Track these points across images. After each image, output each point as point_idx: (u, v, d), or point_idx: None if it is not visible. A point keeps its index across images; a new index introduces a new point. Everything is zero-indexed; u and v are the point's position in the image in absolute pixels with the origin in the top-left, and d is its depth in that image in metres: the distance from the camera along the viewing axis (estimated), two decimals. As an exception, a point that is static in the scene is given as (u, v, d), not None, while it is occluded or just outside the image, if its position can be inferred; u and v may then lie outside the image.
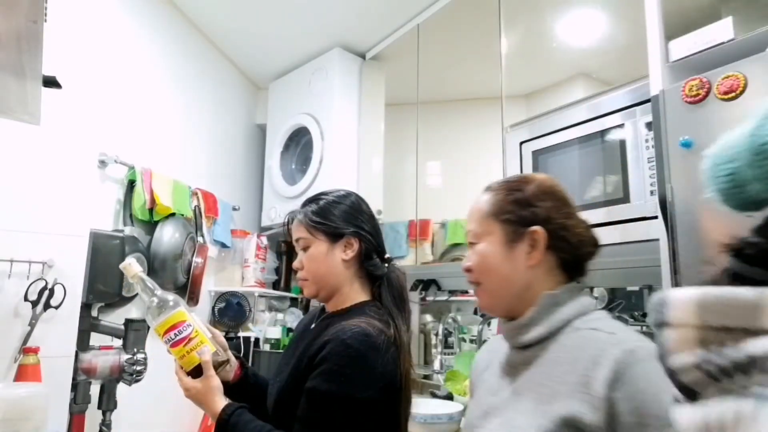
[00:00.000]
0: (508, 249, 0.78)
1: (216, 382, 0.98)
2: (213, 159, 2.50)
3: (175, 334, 0.99)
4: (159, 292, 1.02)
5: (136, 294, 1.84)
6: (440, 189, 2.15)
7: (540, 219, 0.77)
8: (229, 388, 1.06)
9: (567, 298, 0.76)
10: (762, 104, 0.39)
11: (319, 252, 1.05)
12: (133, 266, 1.03)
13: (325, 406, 0.89)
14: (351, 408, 0.88)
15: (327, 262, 1.05)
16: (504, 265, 0.79)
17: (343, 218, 1.06)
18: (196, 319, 1.04)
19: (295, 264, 1.10)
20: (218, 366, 1.03)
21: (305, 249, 1.07)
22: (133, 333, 1.63)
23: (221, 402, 0.96)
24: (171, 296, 1.02)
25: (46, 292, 1.42)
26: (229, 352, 1.11)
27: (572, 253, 0.78)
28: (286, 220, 1.13)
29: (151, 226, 1.94)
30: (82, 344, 1.55)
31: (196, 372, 0.99)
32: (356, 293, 1.06)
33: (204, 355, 0.99)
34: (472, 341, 2.21)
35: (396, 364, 0.94)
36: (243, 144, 2.82)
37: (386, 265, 1.10)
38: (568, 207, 0.80)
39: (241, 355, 2.27)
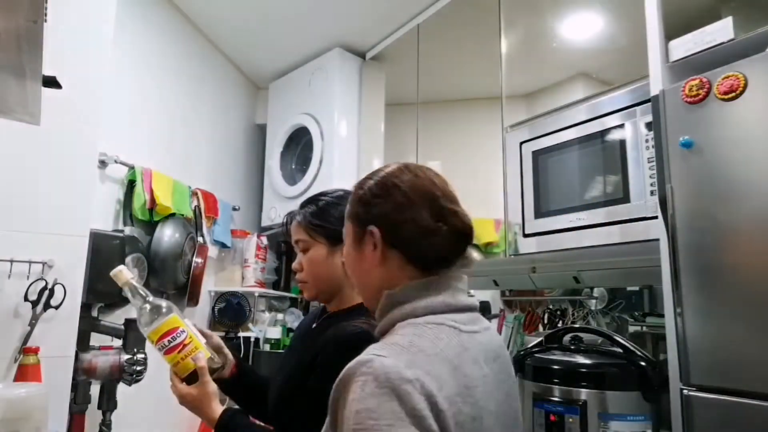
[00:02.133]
0: (358, 250, 0.80)
1: (212, 387, 0.97)
2: (213, 159, 2.50)
3: (168, 340, 0.98)
4: (151, 298, 1.01)
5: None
6: (440, 189, 2.14)
7: (374, 217, 0.77)
8: (223, 384, 1.06)
9: (409, 297, 0.74)
10: None
11: (319, 255, 1.04)
12: (124, 273, 1.02)
13: (324, 405, 0.89)
14: (351, 408, 0.88)
15: (327, 266, 1.04)
16: (358, 266, 0.81)
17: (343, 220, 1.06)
18: (190, 325, 1.02)
19: (295, 266, 1.09)
20: (213, 372, 1.01)
21: (305, 251, 1.07)
22: (133, 333, 1.63)
23: (218, 408, 0.96)
24: (164, 302, 1.01)
25: (46, 292, 1.41)
26: (226, 349, 1.11)
27: (414, 249, 0.75)
28: (285, 221, 1.12)
29: (151, 226, 1.94)
30: (82, 344, 1.55)
31: (191, 378, 0.98)
32: (357, 294, 1.06)
33: (199, 360, 0.98)
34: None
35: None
36: (243, 144, 2.82)
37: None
38: (407, 201, 0.76)
39: (241, 355, 2.28)
